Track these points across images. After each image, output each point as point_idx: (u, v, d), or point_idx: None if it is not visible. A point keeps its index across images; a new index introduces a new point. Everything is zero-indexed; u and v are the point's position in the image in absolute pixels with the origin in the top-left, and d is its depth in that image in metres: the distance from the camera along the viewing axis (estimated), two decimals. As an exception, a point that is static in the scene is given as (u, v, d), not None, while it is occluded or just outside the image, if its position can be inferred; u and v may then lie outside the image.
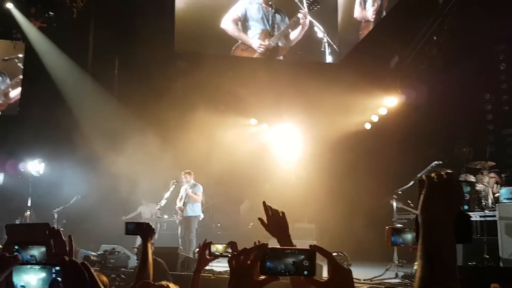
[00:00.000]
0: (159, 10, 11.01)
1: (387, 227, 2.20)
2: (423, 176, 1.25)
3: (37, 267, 1.41)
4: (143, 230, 2.88)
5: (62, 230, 2.15)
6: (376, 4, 9.28)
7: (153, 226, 3.03)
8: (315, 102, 10.91)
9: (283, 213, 2.23)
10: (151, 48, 11.29)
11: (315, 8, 10.85)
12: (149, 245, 2.84)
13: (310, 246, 1.35)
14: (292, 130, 12.21)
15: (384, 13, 9.01)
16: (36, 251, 2.08)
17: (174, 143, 10.86)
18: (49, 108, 10.99)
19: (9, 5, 10.35)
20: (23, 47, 11.57)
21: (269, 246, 1.35)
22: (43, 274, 1.38)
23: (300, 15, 10.94)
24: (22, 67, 11.77)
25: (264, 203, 2.26)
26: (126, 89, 12.03)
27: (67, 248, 2.07)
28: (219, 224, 11.50)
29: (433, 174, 1.23)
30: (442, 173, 1.22)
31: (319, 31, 11.02)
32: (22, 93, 11.73)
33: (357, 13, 10.25)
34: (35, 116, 11.28)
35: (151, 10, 10.95)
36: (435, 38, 9.13)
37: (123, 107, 11.63)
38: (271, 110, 11.75)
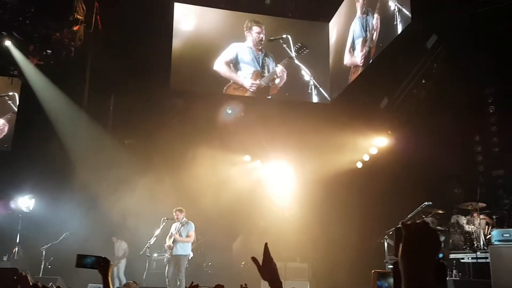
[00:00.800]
0: (156, 49, 11.23)
1: (373, 271, 2.22)
2: (400, 224, 1.29)
3: None
4: (101, 265, 2.70)
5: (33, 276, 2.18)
6: (364, 50, 9.55)
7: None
8: (307, 141, 11.02)
9: (275, 264, 2.28)
10: (147, 86, 11.48)
11: (304, 53, 11.27)
12: (109, 280, 2.70)
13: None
14: (285, 168, 12.28)
15: (371, 60, 9.25)
16: None
17: (167, 180, 10.83)
18: (42, 144, 11.01)
19: (7, 43, 10.53)
20: (20, 84, 11.71)
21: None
22: None
23: (285, 62, 11.36)
24: (13, 104, 11.91)
25: (266, 244, 2.29)
26: (120, 126, 12.13)
27: None
28: (210, 263, 11.30)
29: (409, 222, 1.28)
30: (418, 221, 1.27)
31: (306, 74, 11.41)
32: (16, 129, 11.78)
33: (347, 59, 10.58)
34: (28, 152, 11.28)
35: (147, 48, 11.17)
36: (423, 81, 9.33)
37: (117, 143, 11.68)
38: (265, 147, 11.83)
